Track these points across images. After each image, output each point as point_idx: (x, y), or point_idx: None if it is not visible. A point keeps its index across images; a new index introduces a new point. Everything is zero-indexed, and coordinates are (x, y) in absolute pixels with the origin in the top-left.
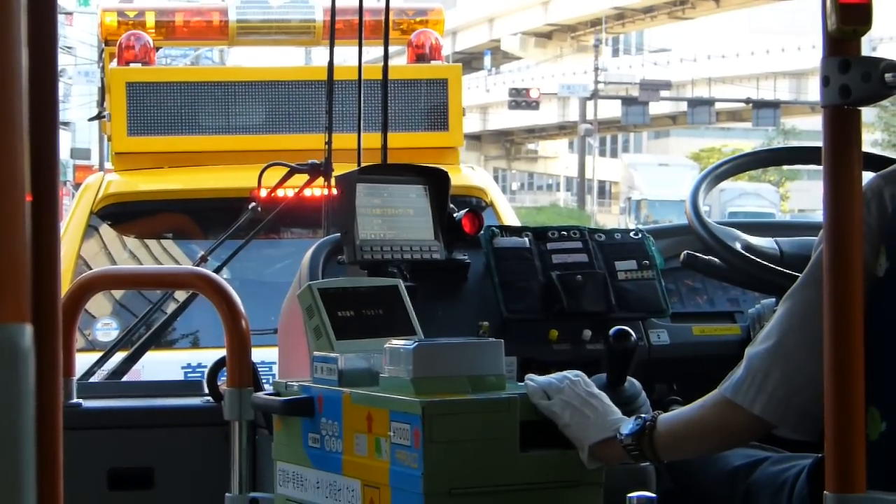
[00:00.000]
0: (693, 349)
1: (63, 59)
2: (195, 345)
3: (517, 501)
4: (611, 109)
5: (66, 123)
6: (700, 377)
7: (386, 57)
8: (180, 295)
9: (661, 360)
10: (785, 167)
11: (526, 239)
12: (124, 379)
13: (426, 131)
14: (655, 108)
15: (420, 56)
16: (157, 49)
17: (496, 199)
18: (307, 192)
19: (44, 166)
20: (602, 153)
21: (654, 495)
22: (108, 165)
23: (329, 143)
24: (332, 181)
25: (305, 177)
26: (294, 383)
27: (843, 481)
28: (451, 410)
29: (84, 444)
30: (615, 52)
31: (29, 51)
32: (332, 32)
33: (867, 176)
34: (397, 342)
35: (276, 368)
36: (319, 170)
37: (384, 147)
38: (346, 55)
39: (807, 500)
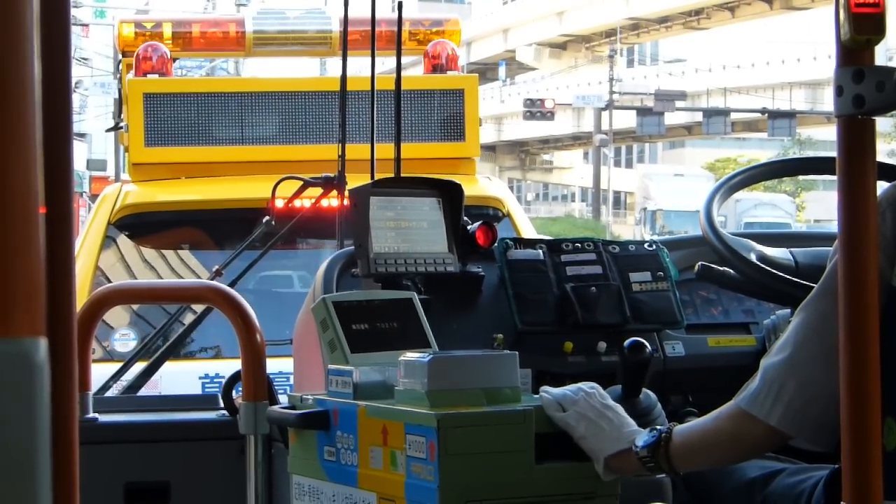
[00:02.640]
0: (708, 360)
1: (79, 71)
2: (213, 355)
3: None
4: (626, 120)
5: (82, 135)
6: (715, 388)
7: (398, 68)
8: (198, 305)
9: (677, 371)
10: (801, 177)
11: (540, 251)
12: (142, 390)
13: (443, 142)
14: (670, 118)
15: (436, 66)
16: (174, 60)
17: (513, 210)
18: (321, 205)
19: (58, 179)
20: (617, 164)
21: None
22: (123, 176)
23: (342, 155)
24: (346, 194)
25: (320, 189)
26: (309, 396)
27: (860, 492)
28: (467, 423)
29: (100, 459)
30: (630, 63)
31: (42, 63)
32: (345, 43)
33: (882, 186)
34: (412, 355)
35: (293, 379)
36: (333, 183)
37: (397, 160)
38: (363, 66)
39: None
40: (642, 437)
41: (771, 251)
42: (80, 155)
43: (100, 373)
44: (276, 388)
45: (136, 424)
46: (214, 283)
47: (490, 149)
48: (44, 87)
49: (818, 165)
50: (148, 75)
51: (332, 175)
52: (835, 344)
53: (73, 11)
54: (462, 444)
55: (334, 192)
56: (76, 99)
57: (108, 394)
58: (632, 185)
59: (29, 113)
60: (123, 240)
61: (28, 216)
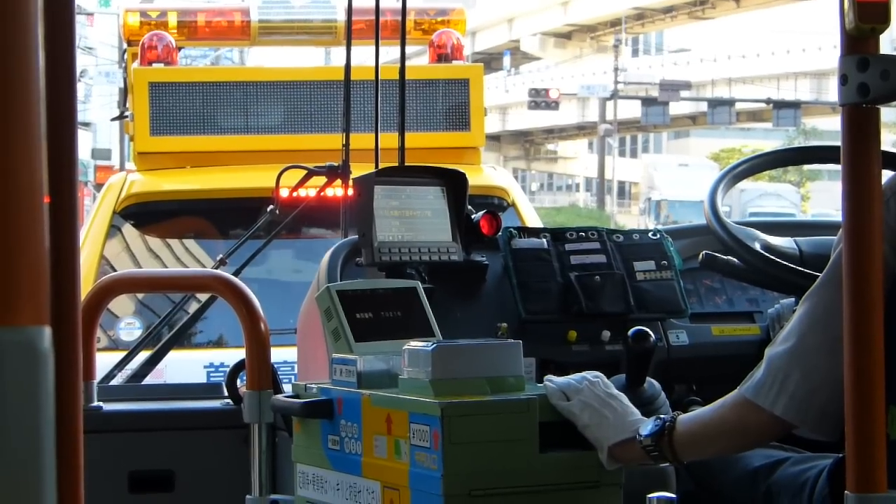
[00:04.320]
0: (712, 349)
1: (84, 60)
2: (218, 344)
3: (537, 502)
4: (630, 110)
5: (87, 124)
6: (719, 377)
7: (403, 57)
8: (203, 294)
9: (681, 360)
10: (805, 167)
11: (544, 240)
12: (147, 379)
13: (448, 131)
14: (675, 108)
15: (441, 56)
16: (179, 49)
17: (518, 199)
18: (325, 194)
19: (62, 168)
20: (622, 153)
21: (673, 496)
22: (128, 165)
23: (346, 144)
24: (350, 183)
25: (324, 178)
26: (313, 385)
27: (864, 481)
28: (471, 412)
29: (104, 448)
30: (635, 53)
31: (46, 53)
32: (349, 33)
33: (886, 175)
34: (416, 344)
35: (297, 368)
36: (337, 172)
37: (401, 149)
38: (367, 55)
39: (827, 501)
40: (646, 426)
41: (775, 240)
42: (84, 144)
43: (104, 361)
44: (281, 376)
45: (141, 413)
46: (218, 272)
47: (495, 139)
48: (48, 76)
49: (823, 154)
50: (153, 64)
51: (336, 164)
52: (839, 333)
53: (78, 0)
54: (466, 433)
55: (338, 181)
56: (81, 88)
57: (113, 382)
58: (636, 175)
59: (33, 102)
60: (128, 229)
61: (32, 206)
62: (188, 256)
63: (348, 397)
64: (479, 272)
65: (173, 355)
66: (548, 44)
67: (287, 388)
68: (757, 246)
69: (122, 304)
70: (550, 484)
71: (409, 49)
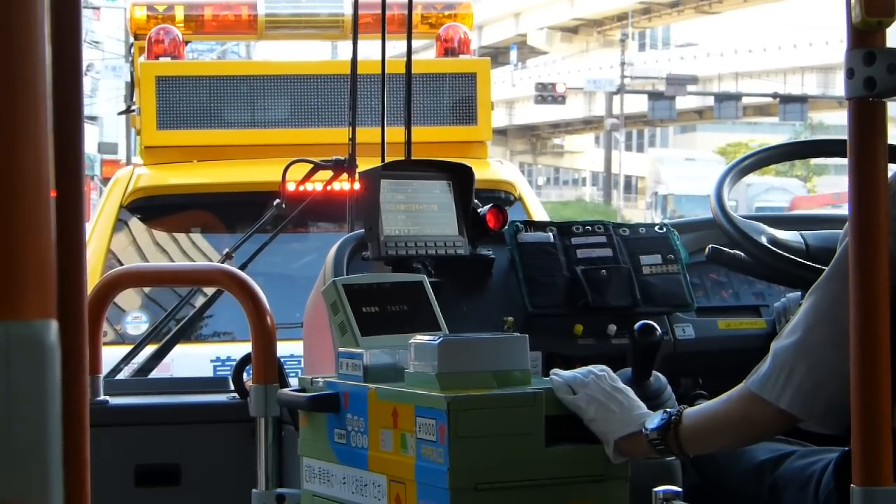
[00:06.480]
0: (718, 343)
1: (90, 54)
2: (224, 338)
3: (543, 496)
4: (637, 104)
5: (93, 118)
6: (726, 371)
7: (409, 51)
8: (209, 288)
9: (687, 354)
10: (812, 162)
11: (550, 234)
12: (154, 373)
13: (455, 125)
14: (682, 102)
15: (449, 50)
16: (186, 43)
17: (525, 193)
18: (332, 188)
19: (68, 162)
20: (628, 148)
21: (679, 489)
22: (135, 159)
23: (353, 139)
24: (356, 177)
25: (330, 172)
26: (319, 379)
27: (870, 474)
28: (477, 405)
29: (111, 441)
30: (642, 47)
31: (52, 47)
32: (356, 26)
33: (893, 168)
34: (422, 338)
35: (304, 362)
36: (343, 166)
37: (408, 143)
38: (374, 49)
39: (833, 494)
40: (652, 419)
41: (781, 234)
42: (91, 138)
43: (111, 355)
44: (287, 370)
45: (147, 407)
46: (225, 265)
47: (501, 133)
48: (54, 70)
49: (829, 148)
50: (160, 58)
51: (342, 158)
52: (845, 327)
53: None
54: (472, 427)
55: (345, 175)
56: (87, 82)
57: (119, 376)
58: (643, 169)
59: (39, 96)
60: (135, 223)
61: (38, 199)
62: (195, 250)
63: (354, 391)
64: (486, 266)
65: (180, 349)
66: (554, 38)
67: (293, 381)
68: (763, 240)
69: (128, 298)
70: (556, 477)
71: (416, 43)
